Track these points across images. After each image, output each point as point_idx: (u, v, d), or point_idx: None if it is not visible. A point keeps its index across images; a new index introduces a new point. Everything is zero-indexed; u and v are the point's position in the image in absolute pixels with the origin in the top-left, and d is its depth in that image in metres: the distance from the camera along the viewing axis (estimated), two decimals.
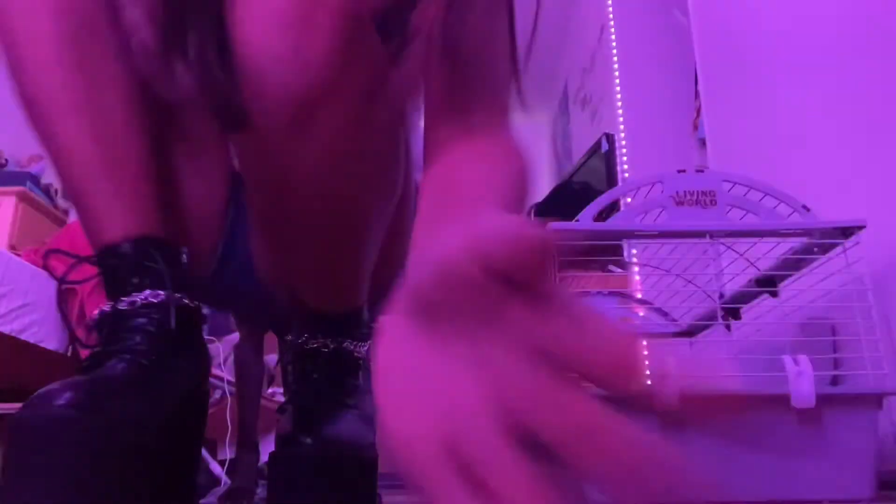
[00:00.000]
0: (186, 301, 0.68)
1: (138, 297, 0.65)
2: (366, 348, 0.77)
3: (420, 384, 0.26)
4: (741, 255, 1.08)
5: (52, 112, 0.67)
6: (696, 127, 2.65)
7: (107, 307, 0.66)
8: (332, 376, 0.74)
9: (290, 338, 0.77)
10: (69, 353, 2.16)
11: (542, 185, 4.98)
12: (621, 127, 3.15)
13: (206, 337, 0.74)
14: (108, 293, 0.67)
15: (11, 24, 0.67)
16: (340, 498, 0.65)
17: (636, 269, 1.90)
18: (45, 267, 0.74)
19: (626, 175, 3.02)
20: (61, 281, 0.71)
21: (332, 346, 0.74)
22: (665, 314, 1.34)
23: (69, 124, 0.67)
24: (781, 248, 1.03)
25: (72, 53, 0.66)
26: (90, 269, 0.71)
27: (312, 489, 0.64)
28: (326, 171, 0.63)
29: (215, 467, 2.14)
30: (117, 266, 0.66)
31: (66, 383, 0.57)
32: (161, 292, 0.66)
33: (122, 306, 0.65)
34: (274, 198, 0.67)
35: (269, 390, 2.63)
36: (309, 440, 0.66)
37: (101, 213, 0.67)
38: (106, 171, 0.67)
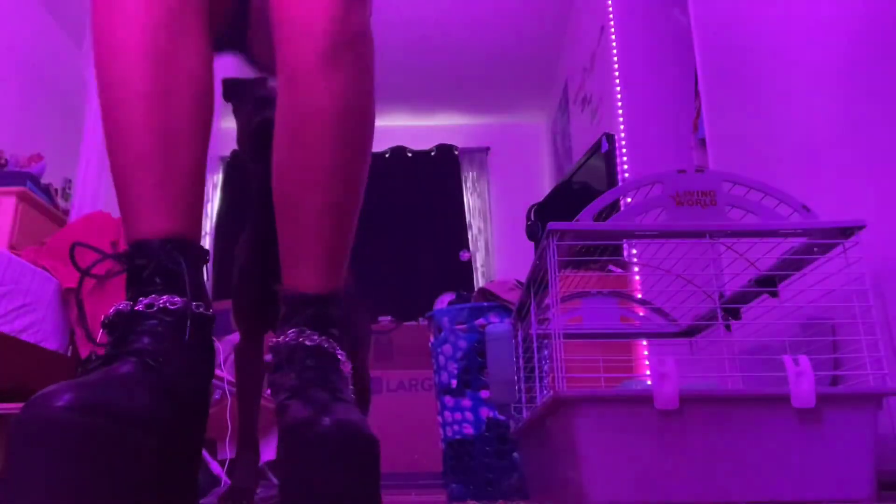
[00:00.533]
0: (202, 310, 0.71)
1: (157, 301, 0.67)
2: (345, 356, 0.78)
3: None
4: (741, 255, 1.08)
5: (127, 100, 0.72)
6: (696, 127, 2.65)
7: (124, 306, 0.67)
8: (323, 372, 0.75)
9: (279, 339, 0.78)
10: (69, 353, 2.16)
11: (543, 185, 4.99)
12: (621, 127, 3.15)
13: None
14: (128, 288, 0.69)
15: (109, 27, 0.73)
16: (359, 474, 0.67)
17: (636, 269, 1.91)
18: (71, 258, 0.77)
19: (626, 175, 3.02)
20: (84, 273, 0.72)
21: (316, 341, 0.76)
22: (665, 314, 1.34)
23: (139, 114, 0.71)
24: (781, 248, 1.03)
25: (157, 57, 0.73)
26: (104, 265, 0.73)
27: (335, 466, 0.66)
28: (344, 115, 0.77)
29: (215, 467, 2.14)
30: (143, 264, 0.69)
31: (67, 384, 0.57)
32: (179, 299, 0.68)
33: (139, 307, 0.67)
34: (298, 143, 0.78)
35: (269, 390, 2.63)
36: (328, 420, 0.67)
37: (143, 204, 0.71)
38: (159, 166, 0.72)
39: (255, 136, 1.23)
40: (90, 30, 0.76)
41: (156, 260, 0.69)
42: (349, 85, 0.77)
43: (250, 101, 1.28)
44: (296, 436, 0.69)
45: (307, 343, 0.76)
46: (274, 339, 0.79)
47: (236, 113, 1.35)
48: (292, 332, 0.76)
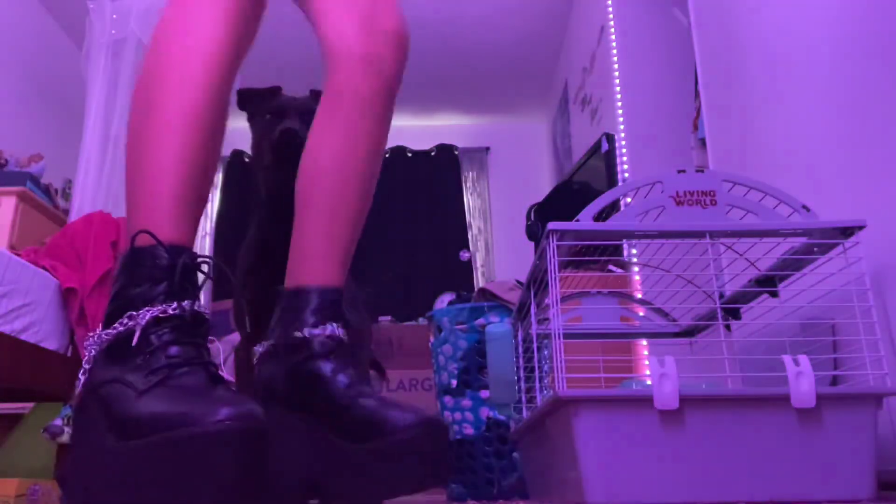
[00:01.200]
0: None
1: (199, 307, 0.72)
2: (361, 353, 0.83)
3: None
4: (741, 255, 1.08)
5: (188, 127, 0.79)
6: (696, 127, 2.65)
7: (180, 309, 0.70)
8: (355, 369, 0.80)
9: (303, 334, 0.80)
10: (69, 354, 2.16)
11: (543, 185, 4.99)
12: (621, 127, 3.15)
13: None
14: (174, 291, 0.71)
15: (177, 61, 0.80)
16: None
17: (636, 269, 1.91)
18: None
19: (626, 175, 3.02)
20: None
21: (340, 334, 0.79)
22: (665, 314, 1.34)
23: (195, 137, 0.78)
24: (781, 248, 1.03)
25: (218, 84, 0.81)
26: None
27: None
28: (383, 138, 0.94)
29: None
30: (191, 267, 0.73)
31: (201, 401, 0.61)
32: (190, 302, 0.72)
33: (198, 308, 0.71)
34: (346, 158, 0.91)
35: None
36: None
37: (178, 214, 0.76)
38: (199, 187, 0.79)
39: (278, 145, 1.26)
40: (154, 37, 0.83)
41: (195, 264, 0.74)
42: (390, 111, 0.95)
43: (267, 110, 1.31)
44: (429, 429, 0.77)
45: (331, 336, 0.82)
46: (307, 330, 0.81)
47: (251, 121, 1.38)
48: (332, 325, 0.83)
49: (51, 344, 2.05)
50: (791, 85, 1.54)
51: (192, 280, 0.72)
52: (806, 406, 0.84)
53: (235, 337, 1.54)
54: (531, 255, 1.32)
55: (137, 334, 0.67)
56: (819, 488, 0.83)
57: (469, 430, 1.88)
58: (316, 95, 1.29)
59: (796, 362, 0.85)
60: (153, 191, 0.76)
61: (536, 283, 1.10)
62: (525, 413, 1.21)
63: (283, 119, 1.28)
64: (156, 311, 0.68)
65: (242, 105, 1.37)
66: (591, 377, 0.98)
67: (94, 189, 3.08)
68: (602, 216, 0.98)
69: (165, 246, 0.72)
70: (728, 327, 1.21)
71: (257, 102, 1.36)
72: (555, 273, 0.94)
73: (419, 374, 3.68)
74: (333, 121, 0.93)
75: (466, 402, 1.89)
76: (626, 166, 3.04)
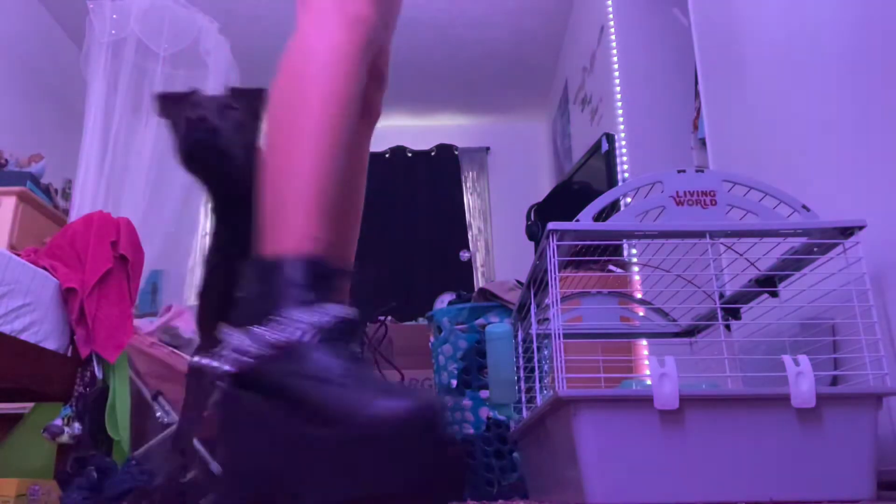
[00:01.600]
0: None
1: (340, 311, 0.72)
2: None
3: None
4: (741, 255, 1.08)
5: (331, 144, 0.81)
6: (696, 127, 2.65)
7: (349, 313, 0.71)
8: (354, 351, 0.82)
9: (343, 304, 0.83)
10: (69, 354, 2.16)
11: (543, 185, 4.99)
12: (621, 127, 3.15)
13: None
14: (318, 292, 0.71)
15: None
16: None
17: (636, 269, 1.91)
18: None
19: (626, 175, 3.02)
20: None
21: (346, 315, 0.82)
22: (665, 314, 1.34)
23: (338, 153, 0.81)
24: (781, 248, 1.03)
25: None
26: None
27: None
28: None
29: (215, 467, 2.13)
30: (341, 274, 0.75)
31: (381, 390, 0.61)
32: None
33: (353, 316, 0.72)
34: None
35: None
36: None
37: (321, 226, 0.76)
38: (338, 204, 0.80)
39: (185, 162, 1.16)
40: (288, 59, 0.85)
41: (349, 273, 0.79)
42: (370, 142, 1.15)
43: (182, 120, 1.19)
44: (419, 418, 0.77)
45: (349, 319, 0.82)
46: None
47: (171, 129, 1.27)
48: (352, 307, 0.84)
49: (51, 344, 2.05)
50: (791, 85, 1.54)
51: (336, 287, 0.74)
52: (806, 406, 0.84)
53: None
54: (531, 255, 1.32)
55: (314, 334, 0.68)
56: (819, 488, 0.83)
57: (469, 430, 1.88)
58: (234, 91, 1.21)
59: (796, 362, 0.85)
60: (298, 202, 0.77)
61: (536, 283, 1.10)
62: (525, 413, 1.21)
63: (193, 132, 1.17)
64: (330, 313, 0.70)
65: (163, 113, 1.26)
66: (591, 377, 0.98)
67: (94, 189, 3.08)
68: (602, 216, 0.98)
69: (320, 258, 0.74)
70: (728, 327, 1.21)
71: (177, 111, 1.24)
72: (555, 273, 0.94)
73: (419, 374, 3.68)
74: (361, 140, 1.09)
75: (466, 402, 1.89)
76: (626, 166, 3.04)
